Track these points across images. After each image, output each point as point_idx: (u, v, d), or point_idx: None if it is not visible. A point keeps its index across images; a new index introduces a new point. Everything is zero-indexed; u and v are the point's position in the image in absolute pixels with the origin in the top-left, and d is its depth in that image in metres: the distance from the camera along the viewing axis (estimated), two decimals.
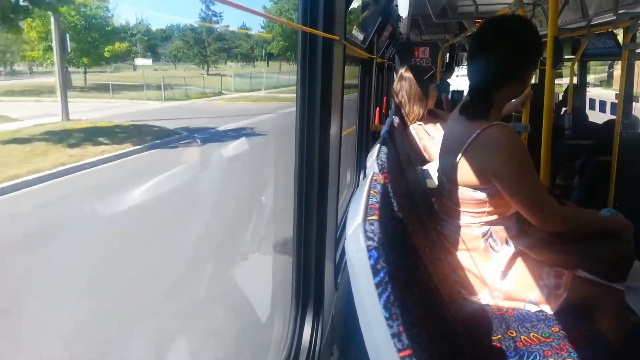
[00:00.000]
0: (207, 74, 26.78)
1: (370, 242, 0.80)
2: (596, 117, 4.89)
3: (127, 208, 5.30)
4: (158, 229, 5.12)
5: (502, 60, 1.49)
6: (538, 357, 1.32)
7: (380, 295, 0.78)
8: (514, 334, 1.42)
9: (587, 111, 5.37)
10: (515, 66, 1.50)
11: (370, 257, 0.80)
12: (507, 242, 1.55)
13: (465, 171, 1.49)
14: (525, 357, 1.32)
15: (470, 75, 1.58)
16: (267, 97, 21.15)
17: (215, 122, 11.81)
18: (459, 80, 8.58)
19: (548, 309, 1.47)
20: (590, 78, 9.81)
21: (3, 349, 2.95)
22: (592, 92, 7.24)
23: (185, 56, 30.50)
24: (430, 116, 3.00)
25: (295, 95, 1.21)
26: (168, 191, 6.22)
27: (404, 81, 2.95)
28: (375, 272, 0.79)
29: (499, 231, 1.54)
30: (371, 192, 0.97)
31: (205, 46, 30.48)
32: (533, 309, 1.49)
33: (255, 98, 20.48)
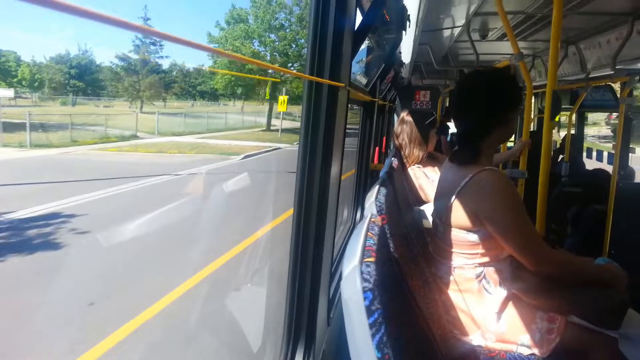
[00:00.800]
0: (141, 112, 23.34)
1: (366, 284, 0.83)
2: (593, 166, 4.96)
3: None
4: None
5: (483, 110, 1.58)
6: None
7: (373, 335, 0.80)
8: None
9: (584, 159, 5.45)
10: (497, 114, 1.57)
11: (365, 299, 0.82)
12: (500, 285, 1.56)
13: (458, 214, 1.53)
14: None
15: (456, 124, 1.66)
16: (201, 144, 17.17)
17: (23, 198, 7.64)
18: None
19: (540, 353, 1.47)
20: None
21: None
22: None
23: (114, 89, 26.16)
24: (429, 159, 3.06)
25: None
26: None
27: (405, 125, 3.03)
28: (369, 313, 0.81)
29: (492, 273, 1.56)
30: (369, 234, 1.00)
31: (139, 79, 25.48)
32: (525, 352, 1.49)
33: (181, 146, 16.21)
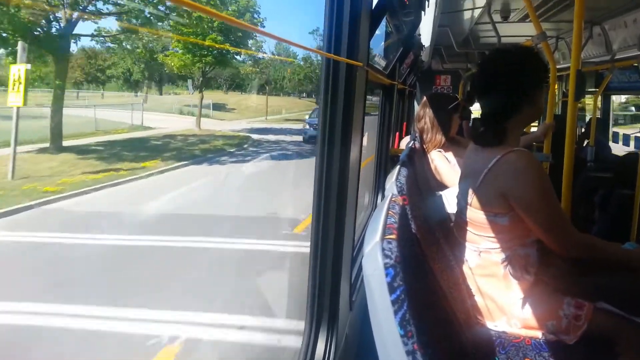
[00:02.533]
0: None
1: (387, 260, 0.82)
2: (620, 150, 4.85)
3: None
4: None
5: (508, 89, 1.53)
6: None
7: (396, 312, 0.79)
8: None
9: (611, 144, 5.32)
10: (523, 93, 1.53)
11: (387, 275, 0.81)
12: (527, 270, 1.53)
13: (485, 196, 1.49)
14: None
15: (481, 105, 1.62)
16: None
17: None
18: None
19: (567, 340, 1.44)
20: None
21: None
22: None
23: None
24: (451, 144, 3.02)
25: None
26: None
27: (427, 108, 2.98)
28: (391, 289, 0.80)
29: (520, 258, 1.53)
30: (390, 212, 0.98)
31: None
32: (551, 338, 1.46)
33: None
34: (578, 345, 1.42)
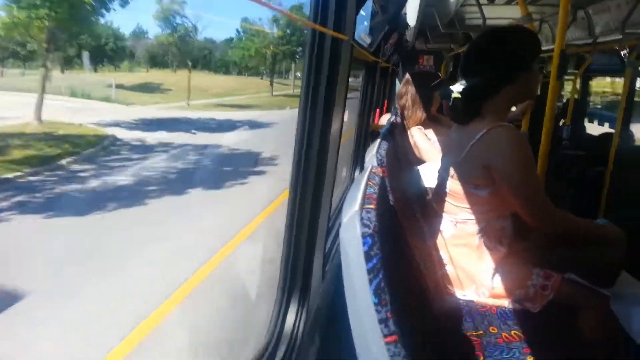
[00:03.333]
0: None
1: (365, 229, 0.84)
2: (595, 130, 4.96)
3: None
4: None
5: (485, 68, 1.56)
6: (517, 354, 1.35)
7: (371, 281, 0.81)
8: (496, 331, 1.46)
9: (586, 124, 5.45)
10: (502, 73, 1.54)
11: (364, 244, 0.83)
12: (500, 242, 1.58)
13: (467, 168, 1.53)
14: (505, 353, 1.36)
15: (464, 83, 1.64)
16: None
17: None
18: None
19: (532, 308, 1.50)
20: None
21: None
22: None
23: None
24: (432, 121, 3.05)
25: None
26: None
27: (409, 86, 3.00)
28: (368, 258, 0.82)
29: (495, 230, 1.58)
30: (370, 182, 1.00)
31: None
32: (517, 307, 1.53)
33: None
34: (543, 314, 1.49)
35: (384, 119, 4.05)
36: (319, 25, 1.18)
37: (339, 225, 0.93)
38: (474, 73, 1.60)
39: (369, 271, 0.82)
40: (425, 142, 2.89)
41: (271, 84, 26.85)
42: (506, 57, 1.54)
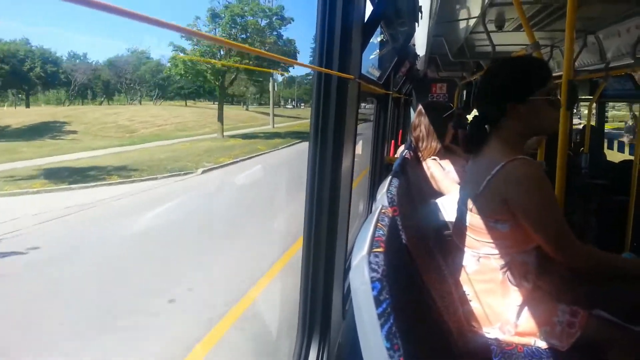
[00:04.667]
0: None
1: (374, 274, 0.83)
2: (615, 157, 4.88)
3: None
4: None
5: (493, 98, 1.57)
6: None
7: (382, 325, 0.80)
8: None
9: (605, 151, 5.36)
10: (507, 103, 1.52)
11: (373, 289, 0.82)
12: (525, 278, 1.53)
13: (486, 202, 1.50)
14: None
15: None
16: None
17: None
18: None
19: (559, 347, 1.45)
20: None
21: None
22: None
23: None
24: (446, 152, 3.05)
25: None
26: None
27: (422, 117, 3.02)
28: (378, 303, 0.81)
29: (519, 265, 1.53)
30: (378, 224, 0.99)
31: None
32: (544, 345, 1.47)
33: None
34: (571, 352, 1.43)
35: (400, 151, 4.07)
36: (325, 67, 1.21)
37: None
38: (479, 102, 1.63)
39: (379, 316, 0.80)
40: (441, 172, 2.89)
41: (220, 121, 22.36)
42: (504, 89, 1.55)
